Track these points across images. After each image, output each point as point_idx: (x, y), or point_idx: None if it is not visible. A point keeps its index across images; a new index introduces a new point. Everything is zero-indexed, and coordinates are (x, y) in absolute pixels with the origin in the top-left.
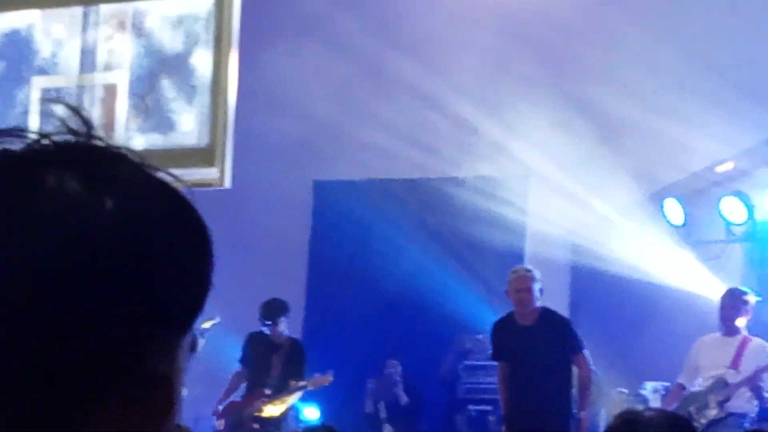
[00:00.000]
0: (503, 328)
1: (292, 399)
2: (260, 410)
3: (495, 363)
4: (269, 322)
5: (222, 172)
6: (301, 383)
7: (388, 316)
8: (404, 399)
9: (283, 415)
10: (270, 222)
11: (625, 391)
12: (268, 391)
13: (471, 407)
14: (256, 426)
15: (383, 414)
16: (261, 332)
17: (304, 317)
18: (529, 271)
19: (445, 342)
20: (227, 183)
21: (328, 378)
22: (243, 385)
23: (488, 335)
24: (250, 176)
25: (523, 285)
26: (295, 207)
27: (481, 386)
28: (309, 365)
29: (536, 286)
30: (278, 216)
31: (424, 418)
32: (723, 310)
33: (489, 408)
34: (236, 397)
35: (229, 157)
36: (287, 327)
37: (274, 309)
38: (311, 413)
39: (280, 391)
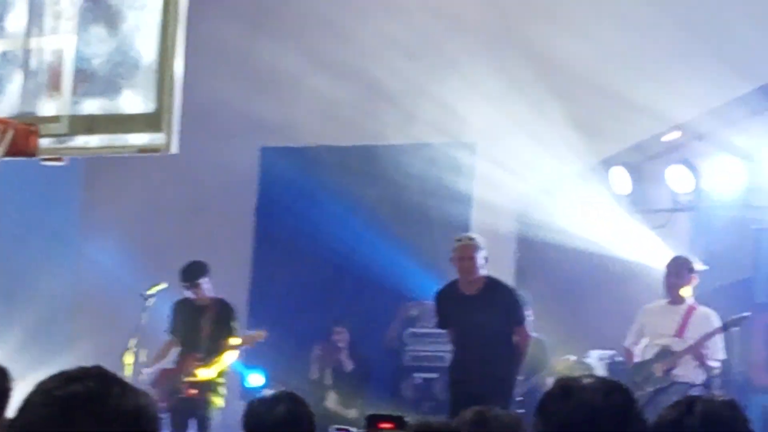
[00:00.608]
0: (447, 297)
1: (227, 359)
2: (194, 374)
3: (440, 331)
4: (188, 284)
5: (169, 137)
6: (233, 341)
7: (334, 283)
8: (349, 366)
9: (221, 377)
10: (217, 188)
11: (573, 357)
12: (199, 354)
13: (416, 374)
14: (192, 391)
15: (328, 380)
16: (185, 298)
17: (251, 283)
18: (472, 239)
19: (391, 309)
20: (174, 148)
21: (261, 334)
22: (177, 353)
23: (433, 303)
24: (197, 142)
25: (466, 253)
26: (242, 173)
27: (427, 353)
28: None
29: (480, 255)
30: (225, 182)
31: (370, 385)
32: (668, 278)
33: (435, 375)
34: (169, 364)
35: (176, 123)
36: (212, 288)
37: (191, 271)
38: (256, 379)
39: (212, 352)
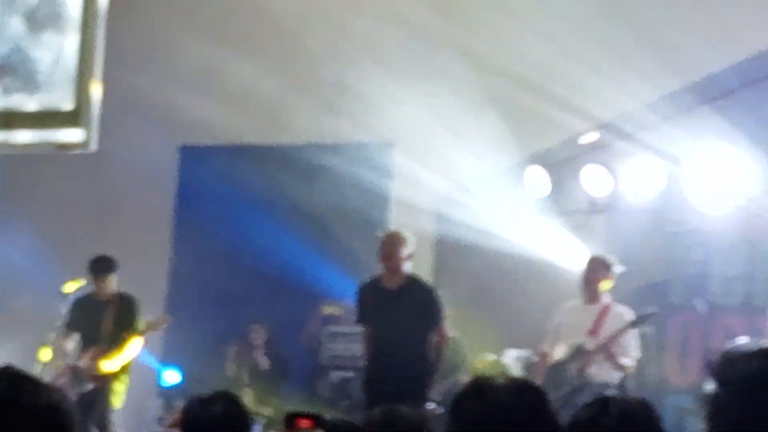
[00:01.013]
0: (369, 291)
1: (130, 350)
2: (96, 367)
3: (357, 330)
4: (94, 276)
5: (88, 134)
6: (136, 330)
7: (252, 282)
8: (265, 364)
9: (124, 373)
10: (135, 186)
11: (493, 356)
12: (101, 347)
13: (333, 373)
14: (97, 384)
15: (245, 379)
16: (87, 294)
17: (168, 282)
18: (399, 232)
19: (309, 309)
20: (93, 146)
21: (165, 319)
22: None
23: (352, 301)
24: (115, 139)
25: (390, 244)
26: (161, 171)
27: (344, 352)
28: (173, 329)
29: (405, 250)
30: (143, 180)
31: (287, 384)
32: (585, 276)
33: (351, 374)
34: (70, 360)
35: (95, 120)
36: (116, 284)
37: (99, 264)
38: (172, 377)
39: (115, 345)
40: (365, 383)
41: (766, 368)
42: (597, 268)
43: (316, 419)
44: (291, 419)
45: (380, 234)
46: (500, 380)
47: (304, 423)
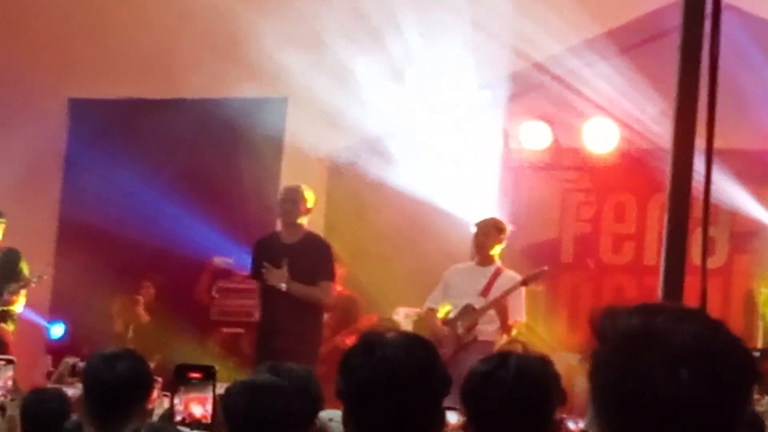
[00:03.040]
0: (265, 246)
1: (12, 303)
2: None
3: (249, 286)
4: None
5: None
6: (17, 284)
7: (142, 237)
8: (145, 318)
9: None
10: (24, 138)
11: (377, 315)
12: None
13: (224, 329)
14: None
15: (130, 334)
16: None
17: (57, 236)
18: (299, 186)
19: (200, 264)
20: None
21: (47, 270)
22: None
23: (245, 256)
24: (3, 91)
25: (289, 196)
26: (50, 124)
27: (234, 308)
28: (61, 284)
29: (303, 203)
30: (33, 133)
31: (175, 339)
32: (477, 237)
33: (241, 330)
34: None
35: None
36: (1, 237)
37: None
38: (57, 331)
39: None
40: (257, 338)
41: (646, 324)
42: (489, 231)
43: (207, 371)
44: (181, 372)
45: (282, 186)
46: (388, 336)
47: (195, 375)
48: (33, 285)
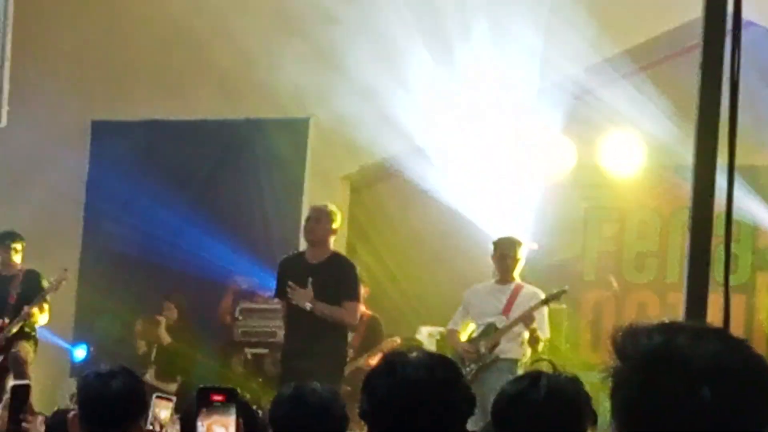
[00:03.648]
0: (290, 266)
1: (33, 318)
2: (2, 341)
3: (272, 306)
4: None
5: None
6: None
7: (165, 259)
8: (166, 340)
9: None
10: (46, 161)
11: (398, 339)
12: (6, 320)
13: (247, 350)
14: (5, 354)
15: (153, 356)
16: None
17: (80, 259)
18: (326, 206)
19: (223, 285)
20: (3, 121)
21: (65, 275)
22: None
23: (267, 277)
24: (25, 114)
25: (314, 215)
26: (72, 146)
27: (258, 329)
28: (84, 307)
29: (329, 224)
30: (54, 156)
31: (198, 360)
32: (496, 257)
33: (265, 351)
34: None
35: (4, 95)
36: (22, 258)
37: (3, 236)
38: (80, 353)
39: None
40: (281, 358)
41: (666, 343)
42: (509, 248)
43: (229, 393)
44: (204, 394)
45: (310, 207)
46: (411, 356)
47: (218, 398)
48: (54, 291)
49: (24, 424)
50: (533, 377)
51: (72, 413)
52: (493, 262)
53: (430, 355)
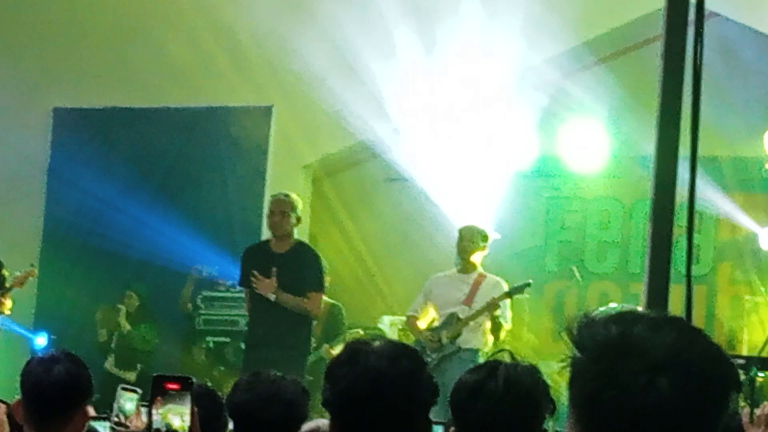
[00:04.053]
0: (254, 254)
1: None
2: None
3: (234, 295)
4: None
5: None
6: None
7: (126, 247)
8: (126, 328)
9: None
10: (8, 149)
11: (362, 331)
12: None
13: (209, 338)
14: None
15: (114, 343)
16: None
17: (41, 247)
18: (287, 195)
19: (184, 273)
20: None
21: (32, 271)
22: None
23: (229, 265)
24: None
25: (277, 208)
26: (34, 134)
27: (219, 317)
28: (45, 294)
29: (293, 214)
30: (16, 143)
31: (159, 349)
32: (459, 246)
33: (227, 339)
34: None
35: None
36: None
37: None
38: (41, 341)
39: None
40: (245, 347)
41: (623, 333)
42: (471, 238)
43: (184, 382)
44: (159, 383)
45: (271, 195)
46: (374, 345)
47: (173, 386)
48: (19, 286)
49: None
50: (491, 367)
51: (16, 400)
52: (457, 250)
53: (392, 344)
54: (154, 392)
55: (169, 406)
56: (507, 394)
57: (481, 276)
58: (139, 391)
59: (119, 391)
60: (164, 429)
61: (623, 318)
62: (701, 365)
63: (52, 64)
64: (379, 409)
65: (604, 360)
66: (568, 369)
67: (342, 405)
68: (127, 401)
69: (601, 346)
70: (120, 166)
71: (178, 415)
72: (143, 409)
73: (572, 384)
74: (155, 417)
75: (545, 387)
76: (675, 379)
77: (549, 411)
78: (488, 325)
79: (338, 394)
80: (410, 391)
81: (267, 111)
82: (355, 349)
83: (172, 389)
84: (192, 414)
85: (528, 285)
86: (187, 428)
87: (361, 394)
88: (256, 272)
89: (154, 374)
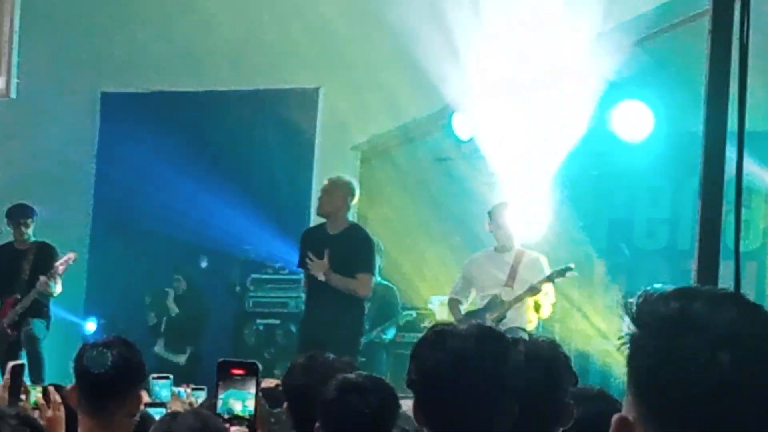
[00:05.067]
0: (311, 236)
1: (49, 290)
2: (14, 315)
3: (283, 277)
4: (13, 222)
5: (7, 82)
6: (48, 273)
7: (176, 230)
8: (174, 311)
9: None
10: (57, 134)
11: (413, 314)
12: (18, 296)
13: (259, 321)
14: (13, 332)
15: (163, 327)
16: (6, 243)
17: (91, 231)
18: (336, 178)
19: (234, 256)
20: (12, 93)
21: (71, 256)
22: None
23: (279, 249)
24: (36, 86)
25: (323, 188)
26: (82, 119)
27: (269, 299)
28: (96, 280)
29: (338, 194)
30: (65, 128)
31: (207, 332)
32: (496, 223)
33: (276, 321)
34: None
35: (14, 67)
36: (34, 232)
37: (17, 211)
38: (91, 326)
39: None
40: (300, 328)
41: (683, 309)
42: (502, 215)
43: (249, 368)
44: (224, 368)
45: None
46: (462, 327)
47: (238, 371)
48: (62, 267)
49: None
50: (512, 342)
51: (70, 385)
52: (491, 228)
53: (479, 327)
54: (219, 377)
55: (232, 391)
56: (527, 366)
57: (520, 253)
58: (170, 376)
59: (151, 381)
60: (226, 415)
61: (683, 293)
62: (763, 341)
63: (99, 49)
64: (463, 390)
65: (663, 336)
66: (626, 346)
67: (426, 386)
68: (162, 389)
69: (661, 321)
70: (168, 149)
71: (240, 401)
72: (175, 390)
73: (630, 360)
74: (218, 401)
75: (566, 359)
76: (736, 354)
77: (571, 383)
78: (531, 302)
79: (423, 375)
80: (495, 374)
81: (315, 93)
82: (440, 331)
83: (237, 375)
84: (257, 399)
85: (570, 269)
86: (248, 415)
87: (445, 375)
88: (310, 253)
89: (219, 359)
